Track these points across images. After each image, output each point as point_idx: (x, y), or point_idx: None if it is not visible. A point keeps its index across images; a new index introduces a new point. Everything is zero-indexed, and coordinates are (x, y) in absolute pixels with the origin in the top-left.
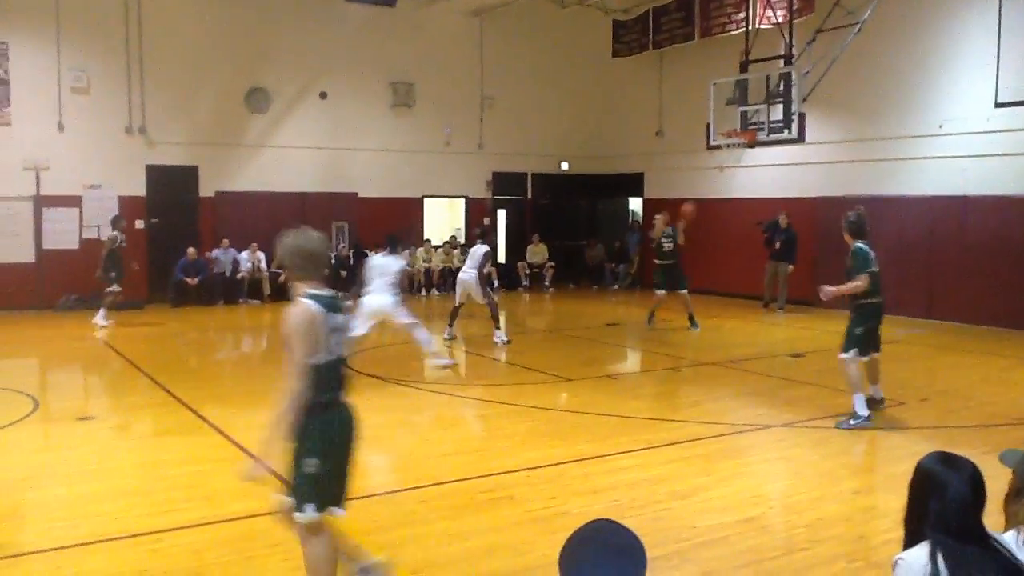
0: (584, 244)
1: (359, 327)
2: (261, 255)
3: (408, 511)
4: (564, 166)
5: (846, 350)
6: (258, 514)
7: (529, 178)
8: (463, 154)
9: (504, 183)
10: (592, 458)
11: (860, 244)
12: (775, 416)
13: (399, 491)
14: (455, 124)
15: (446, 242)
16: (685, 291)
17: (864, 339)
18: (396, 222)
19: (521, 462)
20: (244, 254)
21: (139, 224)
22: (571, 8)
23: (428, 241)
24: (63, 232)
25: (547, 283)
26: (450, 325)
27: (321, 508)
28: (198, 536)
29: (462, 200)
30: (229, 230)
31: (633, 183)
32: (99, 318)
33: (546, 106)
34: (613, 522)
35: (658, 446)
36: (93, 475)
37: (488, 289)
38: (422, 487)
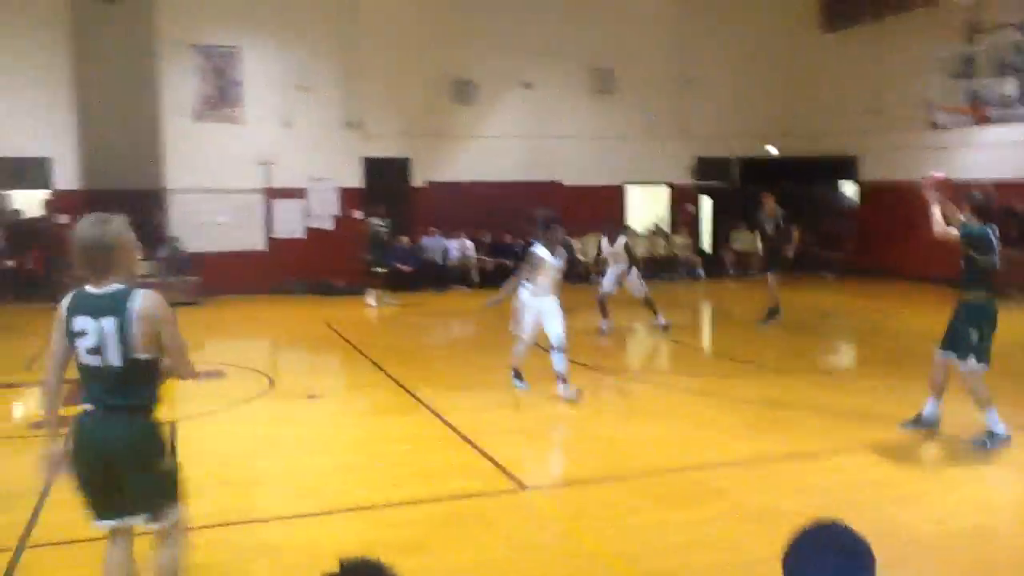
0: (794, 230)
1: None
2: (469, 243)
3: (615, 499)
4: (772, 150)
5: (963, 357)
6: (475, 494)
7: (734, 162)
8: (665, 139)
9: (708, 168)
10: (805, 455)
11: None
12: (1008, 417)
13: (605, 478)
14: (657, 109)
15: (650, 230)
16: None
17: (983, 347)
18: (600, 209)
19: (730, 456)
20: (453, 242)
21: (357, 214)
22: None
23: (631, 228)
24: (290, 222)
25: (753, 271)
26: (605, 317)
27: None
28: (418, 512)
29: (665, 187)
30: (439, 219)
31: (845, 166)
32: (370, 299)
33: (751, 87)
34: (841, 524)
35: (877, 446)
36: (320, 450)
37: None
38: (629, 476)
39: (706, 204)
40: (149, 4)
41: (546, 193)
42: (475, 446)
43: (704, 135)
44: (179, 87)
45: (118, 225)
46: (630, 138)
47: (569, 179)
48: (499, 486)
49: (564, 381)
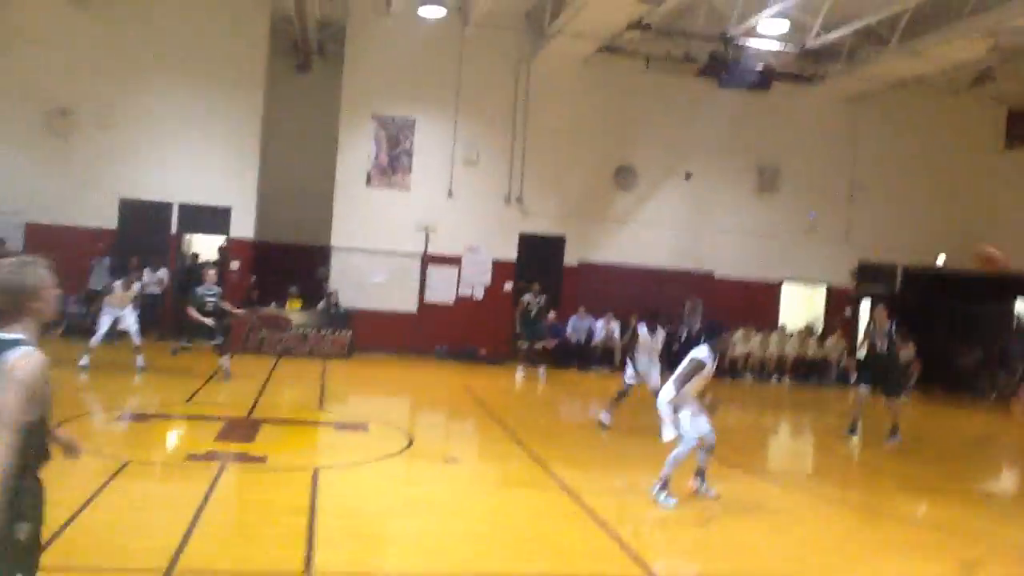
0: (958, 345)
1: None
2: (615, 325)
3: None
4: (940, 260)
5: None
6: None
7: (899, 271)
8: (827, 241)
9: (870, 274)
10: None
11: None
12: None
13: None
14: (821, 210)
15: (801, 329)
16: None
17: None
18: (753, 304)
19: (871, 572)
20: (599, 323)
21: (508, 286)
22: (960, 96)
23: (783, 327)
24: (442, 288)
25: (911, 384)
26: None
27: None
28: None
29: (823, 288)
30: (587, 299)
31: (1021, 284)
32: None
33: (922, 197)
34: None
35: None
36: (454, 514)
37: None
38: None
39: (865, 309)
40: (338, 74)
41: (697, 283)
42: (607, 528)
43: (868, 240)
44: (355, 152)
45: (33, 268)
46: (791, 237)
47: (722, 271)
48: (630, 574)
49: (702, 477)
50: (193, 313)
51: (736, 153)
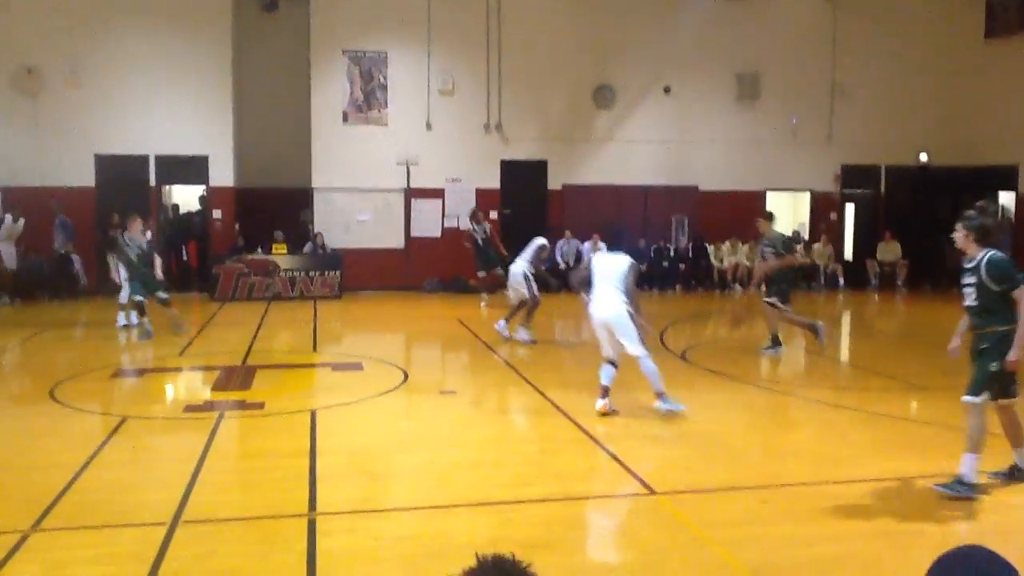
0: (945, 242)
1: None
2: (603, 246)
3: (748, 510)
4: (923, 157)
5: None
6: (604, 496)
7: (882, 171)
8: (810, 146)
9: (854, 176)
10: (948, 476)
11: (994, 251)
12: None
13: (738, 488)
14: (802, 114)
15: (788, 237)
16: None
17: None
18: (739, 215)
19: (868, 472)
20: (586, 245)
21: (493, 215)
22: None
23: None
24: (428, 221)
25: (900, 282)
26: (524, 325)
27: None
28: (546, 511)
29: (807, 194)
30: (573, 222)
31: (1005, 176)
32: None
33: (904, 94)
34: (987, 549)
35: None
36: (453, 444)
37: (533, 285)
38: (762, 487)
39: (850, 212)
40: (306, 12)
41: (683, 197)
42: (605, 449)
43: (851, 142)
44: (329, 91)
45: None
46: (774, 144)
47: (707, 184)
48: (628, 490)
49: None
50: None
51: (715, 62)
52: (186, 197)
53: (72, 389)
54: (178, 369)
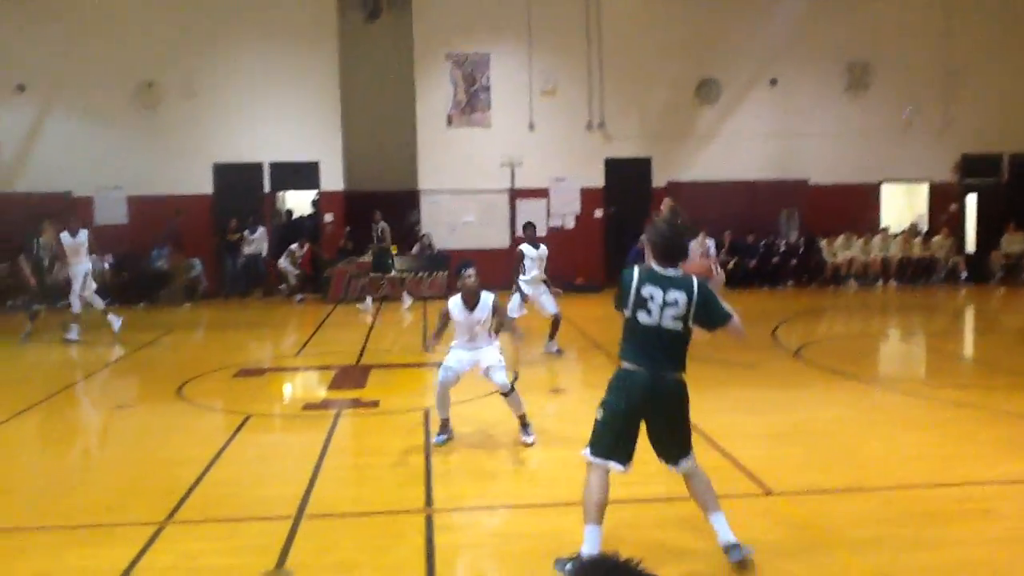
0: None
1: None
2: (710, 243)
3: (870, 512)
4: None
5: None
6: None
7: (1005, 159)
8: (925, 135)
9: (975, 165)
10: None
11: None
12: None
13: (859, 490)
14: (916, 103)
15: (905, 230)
16: None
17: None
18: (851, 208)
19: (997, 474)
20: (692, 243)
21: (598, 213)
22: None
23: (886, 229)
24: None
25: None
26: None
27: None
28: (661, 510)
29: (924, 185)
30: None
31: None
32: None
33: None
34: None
35: None
36: (565, 443)
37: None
38: (885, 488)
39: (971, 203)
40: (408, 18)
41: (792, 192)
42: (719, 448)
43: (970, 130)
44: (433, 94)
45: None
46: (887, 134)
47: (817, 178)
48: (743, 490)
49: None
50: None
51: (823, 52)
52: (299, 202)
53: (197, 388)
54: (296, 369)
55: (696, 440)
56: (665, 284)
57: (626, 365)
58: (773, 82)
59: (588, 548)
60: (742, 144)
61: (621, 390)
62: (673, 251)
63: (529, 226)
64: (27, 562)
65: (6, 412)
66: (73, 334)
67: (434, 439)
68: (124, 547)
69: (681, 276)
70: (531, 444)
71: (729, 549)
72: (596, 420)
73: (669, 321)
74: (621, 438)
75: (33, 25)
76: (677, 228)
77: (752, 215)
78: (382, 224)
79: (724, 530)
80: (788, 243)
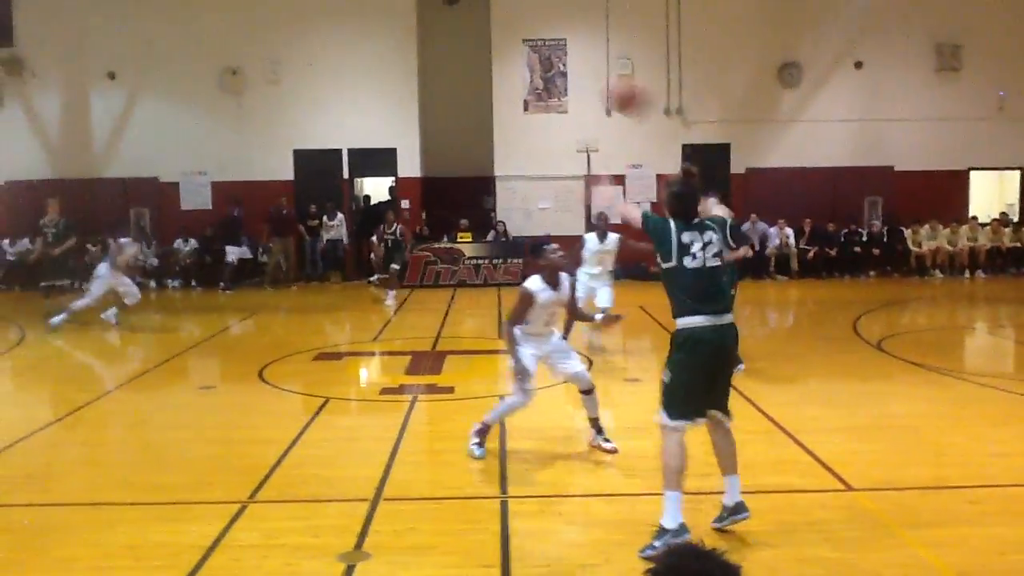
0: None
1: None
2: (790, 231)
3: (954, 510)
4: None
5: None
6: (796, 490)
7: None
8: (1018, 121)
9: None
10: None
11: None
12: None
13: (943, 487)
14: (1010, 86)
15: (995, 219)
16: None
17: None
18: (938, 196)
19: None
20: (772, 230)
21: (707, 206)
22: None
23: (975, 218)
24: (607, 208)
25: None
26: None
27: None
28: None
29: (1016, 173)
30: (758, 206)
31: None
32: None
33: None
34: None
35: None
36: (640, 432)
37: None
38: (970, 486)
39: None
40: (486, 4)
41: (876, 179)
42: (797, 441)
43: None
44: (509, 80)
45: None
46: (978, 119)
47: (903, 164)
48: (822, 484)
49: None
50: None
51: (911, 32)
52: (376, 188)
53: (278, 370)
54: (373, 354)
55: (773, 433)
56: (698, 228)
57: (688, 320)
58: (858, 65)
59: (672, 516)
60: (824, 129)
61: (691, 347)
62: (694, 203)
63: (601, 216)
64: (118, 535)
65: (96, 391)
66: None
67: (479, 451)
68: (209, 523)
69: (704, 219)
70: (614, 451)
71: (737, 508)
72: (665, 383)
73: (712, 260)
74: (695, 394)
75: (123, 15)
76: (689, 183)
77: (834, 202)
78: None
79: (735, 493)
80: (871, 231)
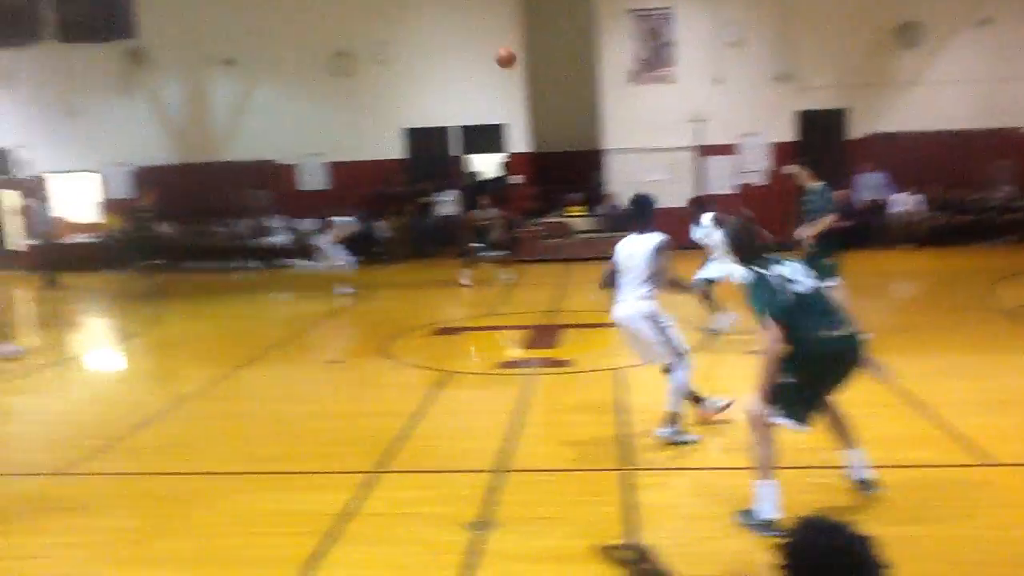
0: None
1: None
2: (919, 197)
3: None
4: None
5: None
6: (931, 465)
7: None
8: None
9: None
10: None
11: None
12: None
13: None
14: None
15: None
16: None
17: None
18: None
19: None
20: (899, 196)
21: (788, 169)
22: None
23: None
24: (721, 178)
25: None
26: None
27: None
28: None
29: None
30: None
31: None
32: None
33: None
34: None
35: None
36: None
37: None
38: None
39: None
40: None
41: (1006, 143)
42: (928, 413)
43: None
44: (616, 52)
45: None
46: None
47: None
48: (961, 460)
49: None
50: None
51: None
52: (486, 165)
53: (401, 345)
54: (491, 328)
55: (909, 404)
56: (778, 261)
57: (815, 334)
58: (984, 22)
59: (774, 505)
60: (948, 91)
61: (820, 360)
62: (756, 244)
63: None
64: (256, 502)
65: (231, 364)
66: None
67: (691, 436)
68: (341, 492)
69: (776, 255)
70: (727, 406)
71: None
72: (786, 384)
73: (811, 281)
74: (813, 403)
75: (238, 3)
76: (748, 227)
77: (960, 167)
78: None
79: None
80: (1001, 197)
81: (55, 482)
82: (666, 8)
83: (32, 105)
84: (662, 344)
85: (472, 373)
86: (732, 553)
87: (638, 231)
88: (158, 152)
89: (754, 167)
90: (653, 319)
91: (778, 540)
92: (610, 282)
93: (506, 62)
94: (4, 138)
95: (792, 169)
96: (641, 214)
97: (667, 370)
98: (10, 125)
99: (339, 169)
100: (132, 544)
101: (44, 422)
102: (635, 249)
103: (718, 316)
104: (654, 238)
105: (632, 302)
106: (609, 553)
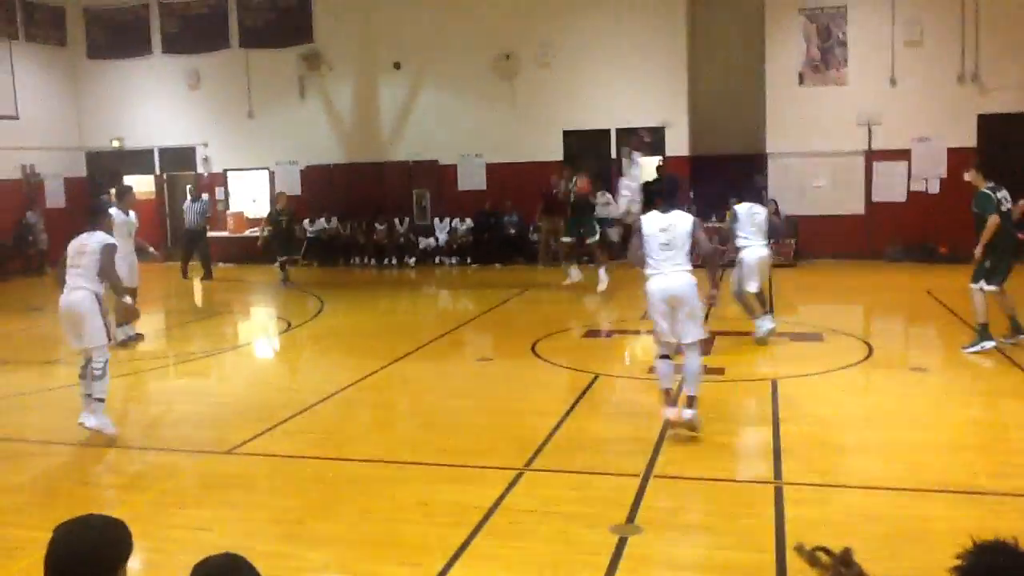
0: None
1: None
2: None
3: None
4: None
5: None
6: None
7: None
8: None
9: None
10: None
11: None
12: None
13: None
14: None
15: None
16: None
17: None
18: None
19: None
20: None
21: (967, 177)
22: None
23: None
24: (891, 185)
25: None
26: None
27: None
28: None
29: None
30: None
31: None
32: None
33: None
34: None
35: None
36: (925, 425)
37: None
38: None
39: None
40: None
41: None
42: None
43: None
44: (784, 52)
45: None
46: None
47: None
48: None
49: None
50: None
51: None
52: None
53: (550, 346)
54: (638, 332)
55: None
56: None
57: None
58: None
59: None
60: None
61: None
62: None
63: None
64: (409, 491)
65: (385, 359)
66: None
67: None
68: (490, 487)
69: None
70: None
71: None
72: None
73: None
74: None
75: (407, 8)
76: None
77: None
78: (576, 179)
79: None
80: None
81: (223, 460)
82: (839, 6)
83: (215, 106)
84: (699, 320)
85: (620, 376)
86: None
87: (663, 209)
88: (327, 152)
89: (928, 174)
90: (696, 291)
91: (954, 564)
92: (641, 259)
93: None
94: (190, 136)
95: (971, 176)
96: (671, 193)
97: (682, 351)
98: (196, 125)
99: (498, 170)
100: (292, 523)
101: (214, 403)
102: (675, 223)
103: (761, 319)
104: (687, 215)
105: (683, 274)
106: (807, 554)
